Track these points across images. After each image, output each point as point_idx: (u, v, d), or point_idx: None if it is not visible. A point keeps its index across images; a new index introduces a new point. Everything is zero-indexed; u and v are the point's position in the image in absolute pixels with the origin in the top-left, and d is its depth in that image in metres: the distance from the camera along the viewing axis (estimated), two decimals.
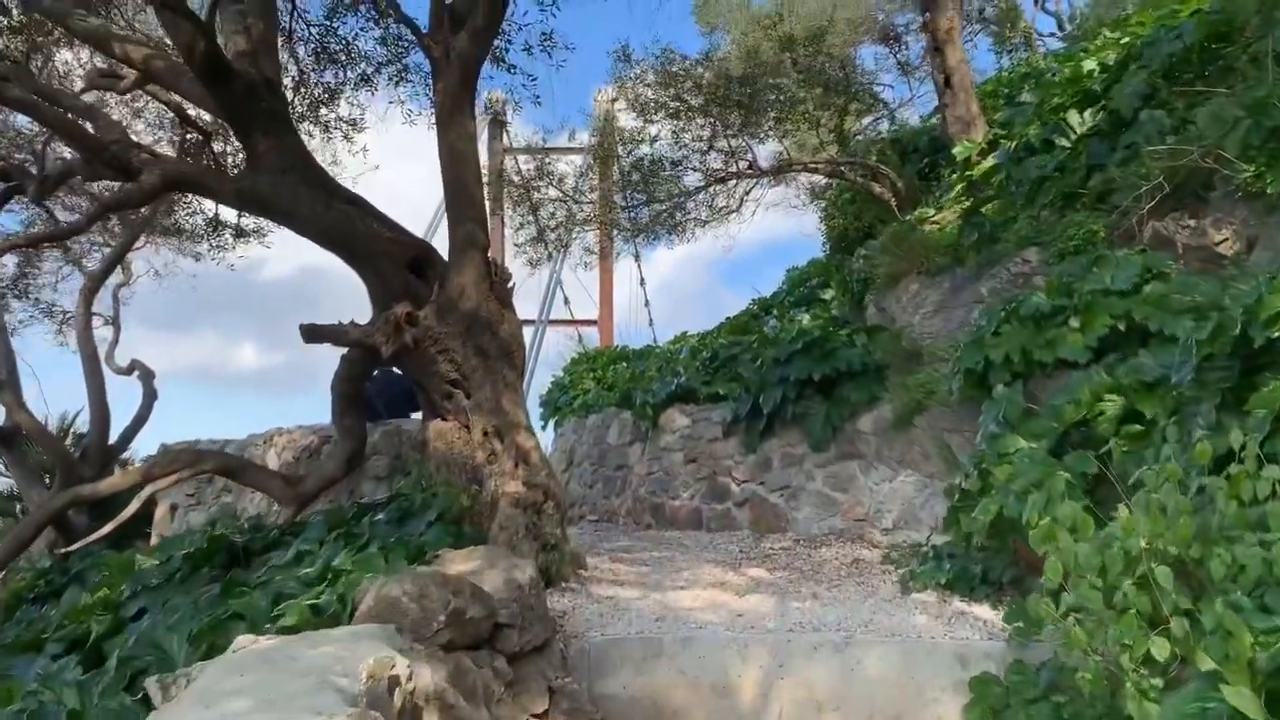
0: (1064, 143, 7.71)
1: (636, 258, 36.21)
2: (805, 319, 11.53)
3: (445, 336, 5.99)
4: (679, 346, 13.03)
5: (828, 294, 12.71)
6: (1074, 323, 5.73)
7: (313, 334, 5.89)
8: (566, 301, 32.67)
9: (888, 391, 7.73)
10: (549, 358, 30.10)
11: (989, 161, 9.43)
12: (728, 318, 14.33)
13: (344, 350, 6.47)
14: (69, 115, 6.88)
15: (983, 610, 5.24)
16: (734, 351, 10.07)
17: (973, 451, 5.87)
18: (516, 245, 13.23)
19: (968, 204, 9.21)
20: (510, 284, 6.54)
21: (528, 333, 24.91)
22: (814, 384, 8.03)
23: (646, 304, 39.08)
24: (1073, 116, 7.85)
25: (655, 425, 10.21)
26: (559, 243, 13.00)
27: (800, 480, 8.08)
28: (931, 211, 9.94)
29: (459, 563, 4.57)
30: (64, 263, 17.44)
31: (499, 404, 6.06)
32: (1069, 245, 6.85)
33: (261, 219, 10.79)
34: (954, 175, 10.75)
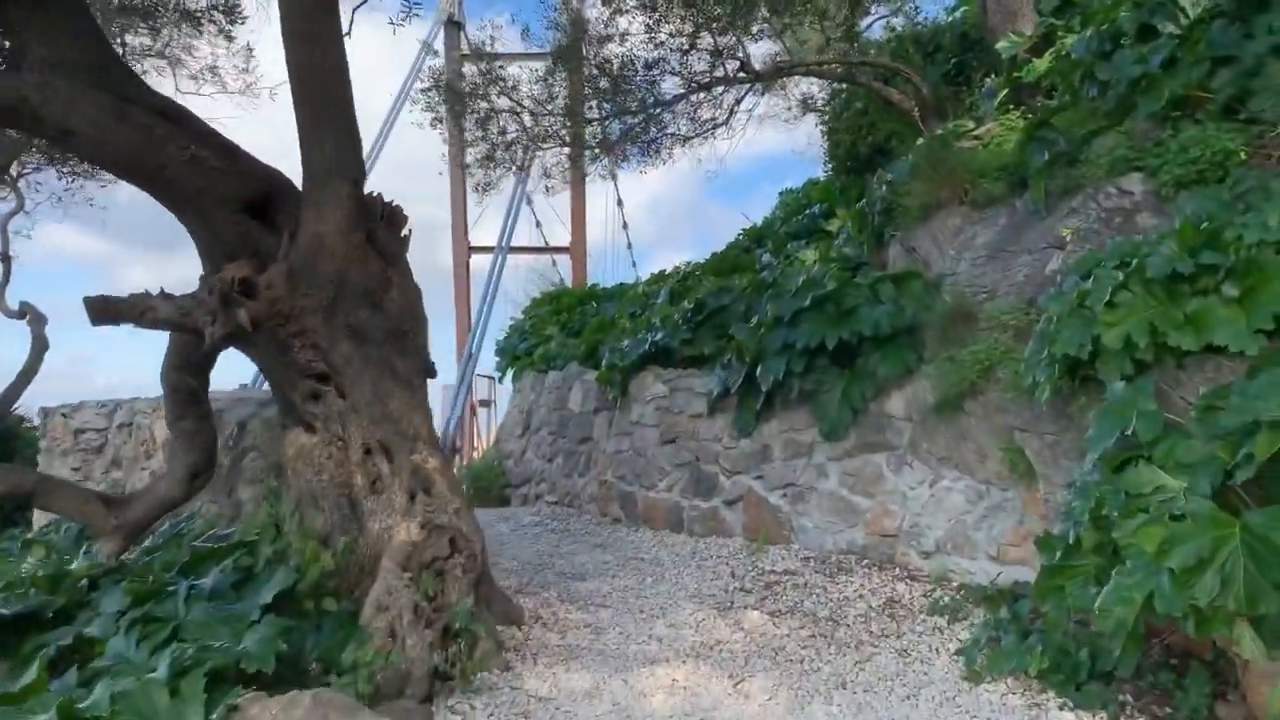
0: (1171, 29, 5.82)
1: (613, 178, 33.99)
2: (809, 256, 9.73)
3: (302, 312, 4.17)
4: (656, 288, 11.18)
5: (833, 224, 10.87)
6: (1230, 289, 3.94)
7: (103, 311, 4.04)
8: (539, 225, 30.53)
9: (926, 363, 5.98)
10: (522, 293, 27.91)
11: (1045, 61, 7.53)
12: (713, 253, 12.46)
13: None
14: None
15: None
16: (723, 302, 8.26)
17: (1076, 476, 4.14)
18: (464, 167, 11.23)
19: (1022, 113, 7.35)
20: (405, 231, 4.68)
21: (485, 261, 22.82)
22: (827, 352, 6.26)
23: (625, 227, 36.68)
24: None
25: (624, 393, 8.44)
26: (509, 162, 11.03)
27: (809, 477, 6.36)
28: (970, 124, 8.05)
29: None
30: None
31: (386, 407, 4.27)
32: (1190, 170, 5.03)
33: None
34: (997, 78, 8.83)
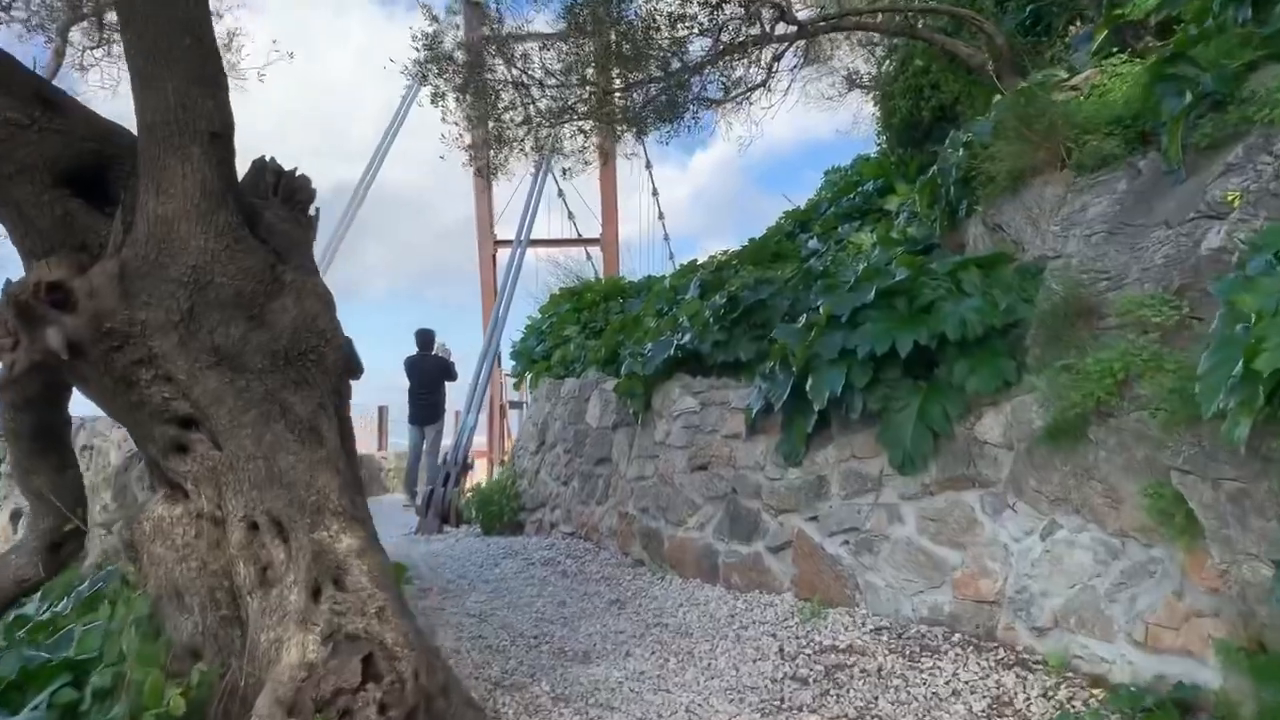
0: None
1: (645, 159, 32.46)
2: (864, 239, 8.39)
3: (145, 330, 2.96)
4: (685, 281, 9.87)
5: (891, 202, 9.49)
6: None
7: None
8: (571, 217, 29.24)
9: (1031, 373, 4.63)
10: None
11: None
12: (750, 239, 11.12)
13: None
14: None
15: None
16: (762, 296, 6.95)
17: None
18: (465, 148, 9.99)
19: (1130, 56, 5.98)
20: (311, 209, 3.44)
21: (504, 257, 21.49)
22: (898, 359, 4.93)
23: (660, 218, 35.28)
24: None
25: (647, 407, 7.16)
26: (521, 143, 9.78)
27: (877, 520, 5.03)
28: (1062, 73, 6.67)
29: None
30: None
31: (275, 464, 3.04)
32: None
33: None
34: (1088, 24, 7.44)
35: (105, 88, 13.57)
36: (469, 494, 10.17)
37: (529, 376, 11.75)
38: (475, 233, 27.33)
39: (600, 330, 11.28)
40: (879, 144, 12.00)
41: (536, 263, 23.26)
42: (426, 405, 13.68)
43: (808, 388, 5.25)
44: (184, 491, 3.15)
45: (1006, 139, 5.75)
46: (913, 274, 5.14)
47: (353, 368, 3.53)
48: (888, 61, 11.17)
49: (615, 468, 7.56)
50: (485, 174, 10.11)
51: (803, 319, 5.72)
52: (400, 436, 23.11)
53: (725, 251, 14.37)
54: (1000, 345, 4.84)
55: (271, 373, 3.17)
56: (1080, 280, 4.73)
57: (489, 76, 9.42)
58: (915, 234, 7.28)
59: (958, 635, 4.50)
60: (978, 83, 9.19)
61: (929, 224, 6.92)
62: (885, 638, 4.59)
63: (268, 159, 3.51)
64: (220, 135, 3.14)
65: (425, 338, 13.64)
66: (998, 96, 8.05)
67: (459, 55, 9.58)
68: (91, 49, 12.98)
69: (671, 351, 6.97)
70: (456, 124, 9.64)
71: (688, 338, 7.02)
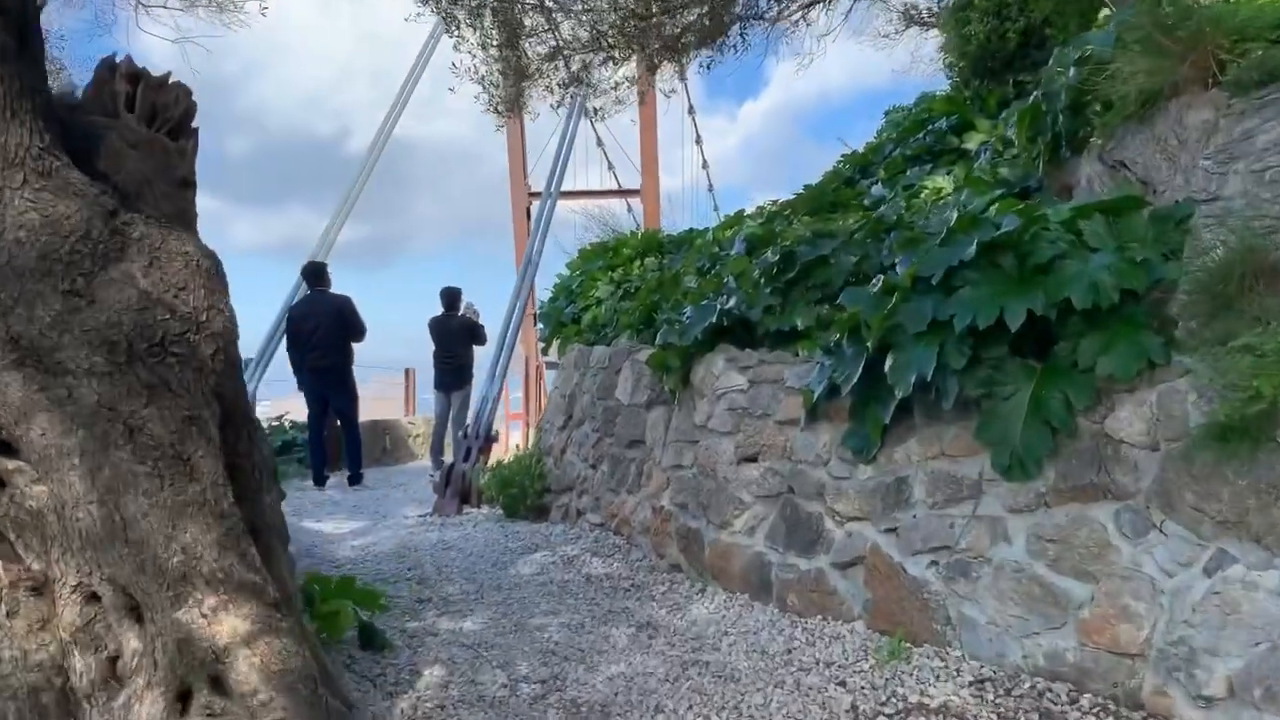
0: None
1: (690, 111, 31.01)
2: (942, 183, 7.29)
3: None
4: (731, 233, 8.80)
5: (971, 141, 8.33)
6: None
7: None
8: (611, 168, 28.05)
9: (1184, 352, 3.56)
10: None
11: None
12: (805, 186, 9.98)
13: None
14: None
15: None
16: (822, 251, 5.90)
17: None
18: (478, 81, 8.94)
19: None
20: (186, 144, 2.46)
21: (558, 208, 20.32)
22: (1006, 333, 3.88)
23: (705, 167, 33.89)
24: None
25: (686, 384, 6.17)
26: (536, 76, 8.73)
27: (977, 537, 4.01)
28: None
29: None
30: None
31: (113, 511, 2.10)
32: None
33: None
34: None
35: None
36: (490, 470, 9.26)
37: (557, 342, 10.79)
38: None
39: (635, 290, 10.29)
40: (951, 77, 10.75)
41: (571, 217, 22.18)
42: (452, 369, 12.80)
43: (887, 368, 4.21)
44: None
45: (1134, 52, 4.62)
46: (1024, 224, 4.05)
47: (235, 361, 2.55)
48: None
49: (649, 452, 6.58)
50: (501, 110, 9.07)
51: (877, 282, 4.65)
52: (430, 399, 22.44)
53: (775, 201, 13.21)
54: (1140, 315, 3.76)
55: (108, 375, 2.22)
56: (1249, 232, 3.63)
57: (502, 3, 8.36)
58: (1007, 175, 6.16)
59: (1087, 697, 3.49)
60: None
61: (1028, 161, 5.79)
62: (990, 694, 3.59)
63: (118, 58, 2.53)
64: (13, 17, 2.15)
65: (451, 296, 12.72)
66: (1105, 11, 6.86)
67: None
68: None
69: (714, 318, 5.95)
70: (470, 54, 8.63)
71: (733, 301, 5.99)
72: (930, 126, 9.35)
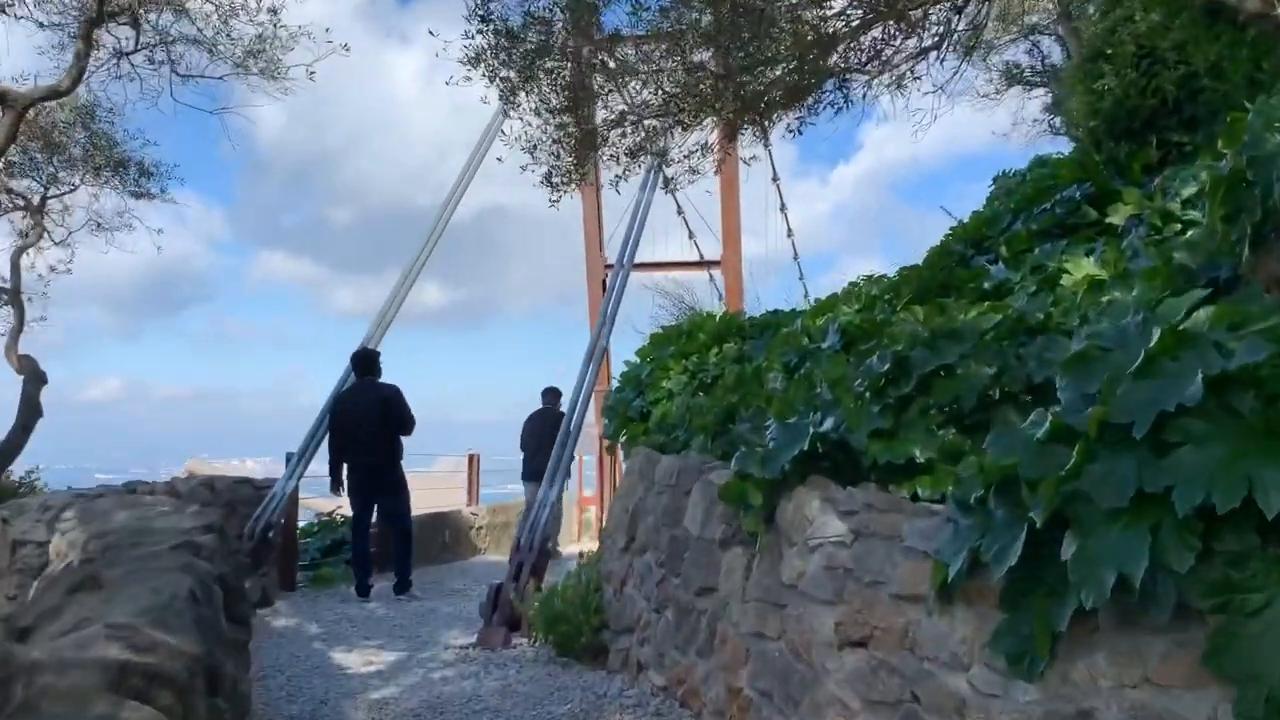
0: None
1: (774, 179, 29.91)
2: (1084, 267, 6.01)
3: None
4: (823, 323, 7.57)
5: (1117, 214, 7.01)
6: None
7: None
8: (692, 237, 27.00)
9: None
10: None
11: None
12: (901, 269, 8.72)
13: None
14: None
15: None
16: (946, 360, 4.66)
17: None
18: (530, 150, 7.99)
19: None
20: None
21: (636, 279, 19.25)
22: (1253, 517, 2.59)
23: (789, 235, 32.64)
24: None
25: (769, 524, 4.93)
26: (599, 145, 7.77)
27: None
28: None
29: None
30: None
31: None
32: None
33: None
34: None
35: (144, 98, 12.32)
36: (540, 595, 8.09)
37: (623, 438, 9.64)
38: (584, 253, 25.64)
39: (711, 382, 9.13)
40: (1076, 138, 9.46)
41: (644, 294, 21.10)
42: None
43: (1066, 556, 2.93)
44: None
45: None
46: (1275, 350, 2.77)
47: None
48: (1095, 22, 8.63)
49: (724, 606, 5.32)
50: (557, 182, 8.11)
51: (1037, 421, 3.38)
52: (492, 489, 21.50)
53: (871, 276, 11.90)
54: None
55: None
56: None
57: (558, 63, 7.42)
58: (1186, 260, 4.85)
59: None
60: (1242, 43, 6.71)
61: (1223, 245, 4.48)
62: None
63: None
64: None
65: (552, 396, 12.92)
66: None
67: (525, 33, 7.59)
68: (127, 54, 11.70)
69: (805, 443, 4.72)
70: (521, 119, 7.72)
71: (829, 422, 4.76)
72: (1058, 195, 8.04)
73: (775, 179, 30.19)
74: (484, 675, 7.11)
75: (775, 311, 10.94)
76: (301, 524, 13.85)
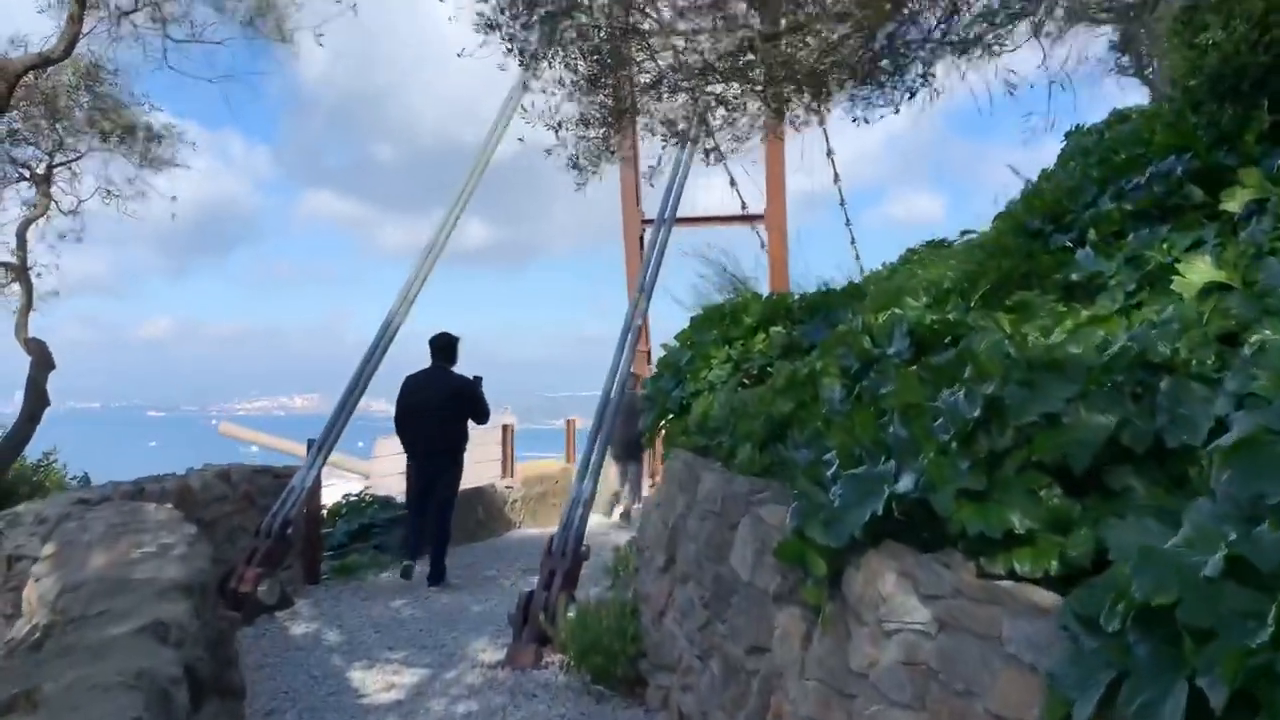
0: None
1: (830, 152, 28.43)
2: (1199, 269, 5.20)
3: None
4: (886, 322, 6.77)
5: (1232, 200, 6.12)
6: None
7: None
8: (733, 184, 25.88)
9: None
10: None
11: None
12: (970, 238, 7.87)
13: None
14: None
15: None
16: (1047, 408, 3.89)
17: None
18: (554, 127, 7.23)
19: None
20: None
21: (678, 236, 18.18)
22: None
23: (836, 181, 31.37)
24: None
25: (835, 592, 4.24)
26: (629, 114, 6.98)
27: None
28: None
29: None
30: None
31: None
32: None
33: None
34: None
35: (148, 60, 11.69)
36: (570, 617, 7.48)
37: (661, 436, 8.97)
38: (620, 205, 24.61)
39: (757, 372, 8.42)
40: (1165, 98, 8.47)
41: (685, 261, 20.06)
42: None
43: (1208, 684, 2.21)
44: None
45: None
46: None
47: None
48: None
49: (779, 675, 4.65)
50: (582, 164, 7.36)
51: (1196, 536, 2.63)
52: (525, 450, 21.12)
53: (931, 242, 11.08)
54: None
55: None
56: None
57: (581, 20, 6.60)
58: None
59: None
60: None
61: None
62: None
63: None
64: None
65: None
66: None
67: None
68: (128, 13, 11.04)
69: (879, 506, 4.00)
70: (544, 90, 6.95)
71: (907, 479, 4.02)
72: (1152, 168, 7.13)
73: (822, 123, 28.98)
74: (510, 710, 6.55)
75: (827, 289, 10.12)
76: (326, 499, 13.13)
